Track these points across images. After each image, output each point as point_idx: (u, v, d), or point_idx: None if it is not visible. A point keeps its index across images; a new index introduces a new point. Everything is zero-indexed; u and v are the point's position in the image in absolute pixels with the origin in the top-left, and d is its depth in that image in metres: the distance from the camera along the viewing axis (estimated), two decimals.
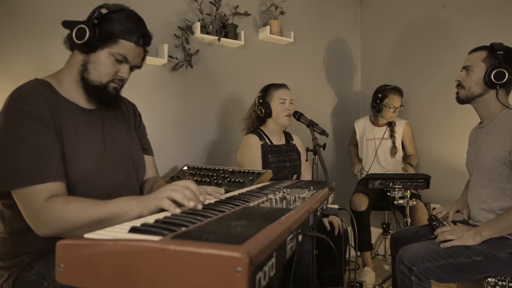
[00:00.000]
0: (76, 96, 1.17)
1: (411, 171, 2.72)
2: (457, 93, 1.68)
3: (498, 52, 1.54)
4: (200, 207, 0.85)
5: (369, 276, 2.58)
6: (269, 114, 2.10)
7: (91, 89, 1.15)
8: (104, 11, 1.11)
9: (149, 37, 1.20)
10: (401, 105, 2.78)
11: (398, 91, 2.77)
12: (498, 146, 1.53)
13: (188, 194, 0.87)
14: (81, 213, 0.95)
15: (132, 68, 1.20)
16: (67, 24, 1.14)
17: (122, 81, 1.20)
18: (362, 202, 2.58)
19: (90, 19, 1.11)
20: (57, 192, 1.00)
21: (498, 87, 1.56)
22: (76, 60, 1.16)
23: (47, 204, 0.96)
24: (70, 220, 0.95)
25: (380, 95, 2.78)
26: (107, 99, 1.19)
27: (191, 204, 0.85)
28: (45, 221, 0.96)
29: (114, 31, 1.11)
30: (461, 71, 1.67)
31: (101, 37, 1.10)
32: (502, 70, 1.53)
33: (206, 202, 0.91)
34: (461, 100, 1.67)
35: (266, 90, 2.15)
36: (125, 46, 1.13)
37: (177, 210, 0.84)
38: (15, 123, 1.02)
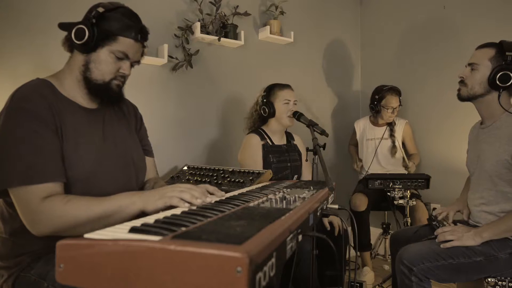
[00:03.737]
0: (78, 95, 1.18)
1: (413, 168, 2.71)
2: (458, 90, 1.65)
3: (507, 53, 1.50)
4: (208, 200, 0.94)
5: (368, 276, 2.58)
6: (272, 113, 2.10)
7: (94, 88, 1.16)
8: (100, 10, 1.12)
9: (146, 32, 1.21)
10: (399, 105, 2.77)
11: (395, 91, 2.75)
12: (501, 150, 1.52)
13: (196, 194, 0.94)
14: (82, 210, 0.96)
15: (132, 64, 1.21)
16: (64, 26, 1.15)
17: (124, 78, 1.21)
18: (361, 202, 2.58)
19: (88, 18, 1.12)
20: (54, 193, 1.00)
21: (501, 90, 1.53)
22: (76, 61, 1.16)
23: (44, 203, 0.97)
24: (72, 217, 0.95)
25: (377, 97, 2.77)
26: (111, 96, 1.20)
27: (198, 201, 0.92)
28: (43, 220, 0.96)
29: (113, 29, 1.12)
30: (465, 66, 1.63)
31: (100, 36, 1.11)
32: (508, 73, 1.49)
33: (208, 200, 0.96)
34: (462, 98, 1.65)
35: (271, 90, 2.15)
36: (124, 43, 1.14)
37: (186, 205, 0.90)
38: (15, 122, 1.02)
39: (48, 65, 1.91)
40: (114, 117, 1.28)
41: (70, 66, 1.18)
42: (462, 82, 1.63)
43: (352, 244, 2.46)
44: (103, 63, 1.14)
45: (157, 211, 0.95)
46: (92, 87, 1.16)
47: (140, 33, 1.17)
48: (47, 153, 1.03)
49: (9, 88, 1.13)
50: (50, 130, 1.05)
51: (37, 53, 1.93)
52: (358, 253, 2.70)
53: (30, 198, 0.97)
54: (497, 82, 1.51)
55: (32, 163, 0.99)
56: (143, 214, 0.97)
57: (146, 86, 2.29)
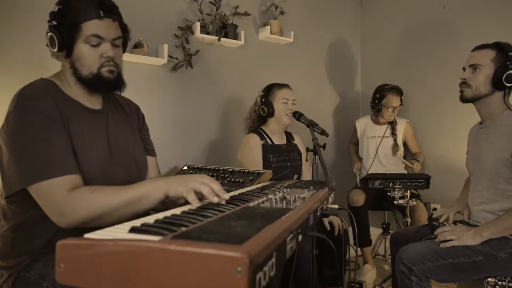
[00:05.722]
0: (80, 96, 1.18)
1: (418, 167, 2.70)
2: (461, 92, 1.64)
3: (510, 53, 1.51)
4: (223, 202, 0.92)
5: (369, 274, 2.56)
6: (271, 113, 2.10)
7: (89, 84, 1.14)
8: (55, 8, 1.10)
9: (108, 4, 1.12)
10: (400, 104, 2.77)
11: (397, 90, 2.75)
12: (500, 147, 1.52)
13: (215, 189, 0.92)
14: (109, 197, 0.97)
15: (115, 44, 1.15)
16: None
17: (113, 61, 1.15)
18: (359, 198, 2.58)
19: (49, 23, 1.10)
20: (77, 184, 1.01)
21: (506, 90, 1.54)
22: (65, 66, 1.16)
23: (71, 194, 0.97)
24: (100, 205, 0.96)
25: (378, 95, 2.78)
26: (108, 84, 1.16)
27: (215, 199, 0.91)
28: (74, 210, 0.96)
29: (72, 19, 1.08)
30: (463, 69, 1.63)
31: (67, 33, 1.08)
32: None
33: (226, 197, 0.95)
34: (465, 99, 1.64)
35: (269, 89, 2.15)
36: (89, 26, 1.09)
37: (198, 204, 0.89)
38: (25, 120, 1.02)
39: (43, 64, 1.90)
40: (116, 117, 1.29)
41: (64, 72, 1.18)
42: (464, 83, 1.62)
43: (352, 243, 2.46)
44: (84, 56, 1.11)
45: (178, 198, 0.96)
46: (87, 84, 1.14)
47: (100, 8, 1.08)
48: (62, 147, 1.03)
49: (2, 86, 1.12)
50: (60, 125, 1.06)
51: (32, 51, 1.91)
52: (359, 253, 2.70)
53: (55, 191, 0.97)
54: (504, 81, 1.52)
55: (49, 157, 1.00)
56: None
57: (146, 86, 2.29)
